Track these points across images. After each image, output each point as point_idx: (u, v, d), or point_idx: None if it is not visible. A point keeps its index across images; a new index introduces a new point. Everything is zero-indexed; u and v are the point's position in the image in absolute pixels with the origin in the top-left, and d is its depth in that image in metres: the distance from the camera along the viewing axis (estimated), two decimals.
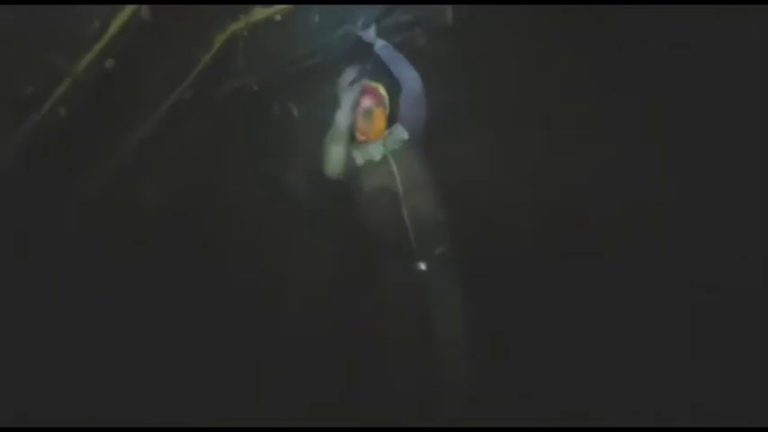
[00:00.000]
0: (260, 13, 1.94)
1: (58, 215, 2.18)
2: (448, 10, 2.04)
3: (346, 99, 1.91)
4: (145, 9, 1.76)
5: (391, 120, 2.08)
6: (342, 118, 1.91)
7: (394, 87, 2.04)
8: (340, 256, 2.52)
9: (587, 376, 2.06)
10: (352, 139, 2.04)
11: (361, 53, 1.86)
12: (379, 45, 1.94)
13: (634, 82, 2.17)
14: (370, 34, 1.91)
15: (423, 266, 1.92)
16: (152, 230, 2.45)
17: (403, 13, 1.87)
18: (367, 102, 2.00)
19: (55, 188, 2.11)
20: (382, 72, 1.99)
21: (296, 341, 2.51)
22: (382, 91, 2.06)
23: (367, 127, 2.02)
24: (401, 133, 2.01)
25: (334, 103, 1.94)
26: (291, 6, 1.92)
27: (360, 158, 1.97)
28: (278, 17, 1.94)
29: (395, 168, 1.95)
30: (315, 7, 1.96)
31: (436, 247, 1.93)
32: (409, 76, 1.97)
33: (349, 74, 1.94)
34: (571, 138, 2.22)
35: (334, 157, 1.93)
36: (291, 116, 2.53)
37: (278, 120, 2.58)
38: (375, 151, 1.98)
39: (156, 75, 2.05)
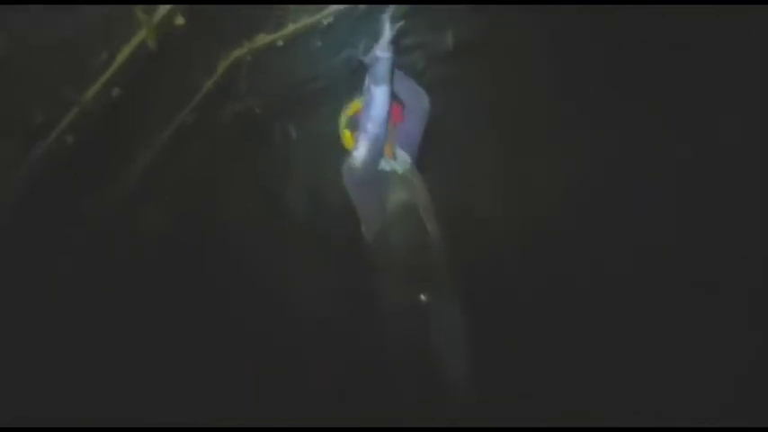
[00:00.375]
0: (262, 39, 1.98)
1: (63, 240, 2.19)
2: (448, 34, 2.09)
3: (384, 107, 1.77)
4: (151, 39, 1.81)
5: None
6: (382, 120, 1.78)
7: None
8: (341, 274, 2.55)
9: (587, 377, 2.10)
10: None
11: (362, 77, 1.87)
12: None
13: (633, 89, 2.20)
14: (379, 53, 1.76)
15: (430, 286, 1.90)
16: (155, 252, 2.47)
17: (404, 37, 1.89)
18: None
19: (61, 213, 2.13)
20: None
21: (296, 347, 2.55)
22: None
23: None
24: (404, 156, 2.02)
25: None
26: (293, 32, 1.96)
27: (386, 166, 1.92)
28: (280, 43, 1.98)
29: (418, 185, 1.95)
30: (316, 33, 2.00)
31: (444, 267, 1.93)
32: (418, 92, 1.99)
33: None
34: (570, 157, 2.25)
35: (372, 155, 1.82)
36: (294, 138, 2.56)
37: (280, 142, 2.61)
38: (395, 164, 1.96)
39: (161, 102, 2.08)
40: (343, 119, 2.01)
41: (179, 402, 2.22)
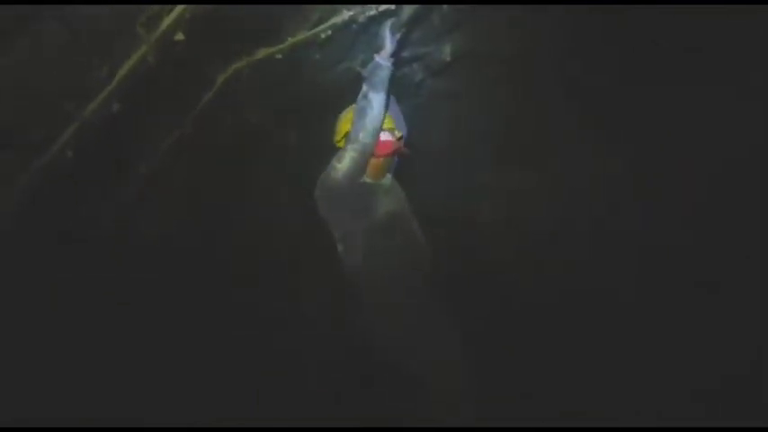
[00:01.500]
0: (262, 52, 1.99)
1: (64, 254, 2.19)
2: (446, 45, 2.10)
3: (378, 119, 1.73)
4: (151, 54, 1.82)
5: None
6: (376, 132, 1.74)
7: None
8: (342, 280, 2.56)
9: (587, 377, 2.14)
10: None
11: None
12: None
13: (631, 97, 2.23)
14: (381, 64, 1.71)
15: (420, 295, 1.89)
16: (155, 259, 2.48)
17: (403, 49, 1.89)
18: None
19: (61, 221, 2.13)
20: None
21: (296, 350, 2.56)
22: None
23: None
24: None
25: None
26: (292, 45, 1.98)
27: (368, 178, 1.85)
28: (279, 55, 2.00)
29: (401, 196, 1.95)
30: (315, 45, 2.01)
31: (434, 276, 1.93)
32: (399, 117, 1.99)
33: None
34: (570, 164, 2.27)
35: (358, 167, 1.76)
36: (293, 149, 2.57)
37: (279, 152, 2.61)
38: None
39: (160, 114, 2.09)
40: (340, 130, 1.97)
41: (179, 404, 2.23)
